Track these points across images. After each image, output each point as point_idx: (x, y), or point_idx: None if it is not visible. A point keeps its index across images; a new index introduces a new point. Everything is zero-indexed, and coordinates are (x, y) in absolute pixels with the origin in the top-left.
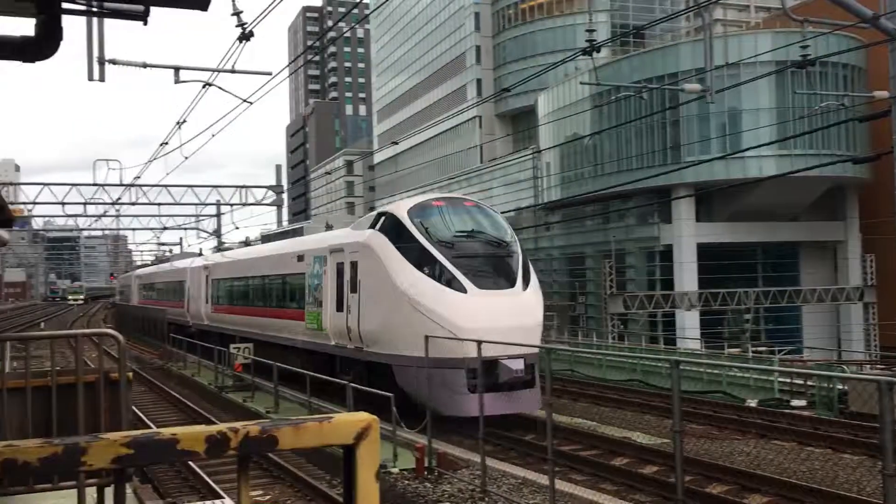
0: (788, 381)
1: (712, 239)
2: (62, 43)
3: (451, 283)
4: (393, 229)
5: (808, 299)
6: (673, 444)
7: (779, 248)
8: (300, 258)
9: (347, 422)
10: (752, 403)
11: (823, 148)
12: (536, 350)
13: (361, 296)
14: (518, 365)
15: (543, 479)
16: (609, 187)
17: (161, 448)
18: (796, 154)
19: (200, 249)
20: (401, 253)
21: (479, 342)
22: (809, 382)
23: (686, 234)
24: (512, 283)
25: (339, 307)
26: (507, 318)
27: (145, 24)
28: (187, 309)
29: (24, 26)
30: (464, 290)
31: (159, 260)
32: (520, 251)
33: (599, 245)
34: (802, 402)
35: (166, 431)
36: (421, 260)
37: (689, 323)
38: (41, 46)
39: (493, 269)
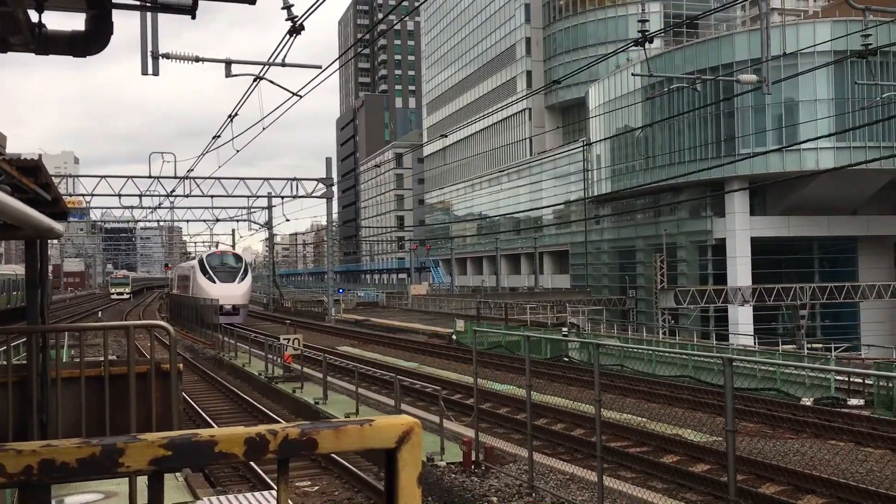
0: (845, 379)
1: (767, 233)
2: (114, 38)
3: (212, 279)
4: (199, 261)
5: (866, 295)
6: (726, 443)
7: (836, 242)
8: (189, 269)
9: (389, 425)
10: (808, 402)
11: (884, 140)
12: (246, 303)
13: (194, 283)
14: (229, 307)
15: (592, 476)
16: (660, 180)
17: (199, 450)
18: (855, 146)
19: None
20: (200, 271)
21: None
22: (868, 381)
23: (740, 228)
24: (234, 280)
25: (194, 287)
26: (229, 291)
27: (193, 17)
28: (172, 290)
29: (75, 21)
30: (214, 282)
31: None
32: (243, 268)
33: (650, 239)
34: (860, 402)
35: (204, 433)
36: (205, 272)
37: (742, 318)
38: (91, 41)
39: (227, 275)
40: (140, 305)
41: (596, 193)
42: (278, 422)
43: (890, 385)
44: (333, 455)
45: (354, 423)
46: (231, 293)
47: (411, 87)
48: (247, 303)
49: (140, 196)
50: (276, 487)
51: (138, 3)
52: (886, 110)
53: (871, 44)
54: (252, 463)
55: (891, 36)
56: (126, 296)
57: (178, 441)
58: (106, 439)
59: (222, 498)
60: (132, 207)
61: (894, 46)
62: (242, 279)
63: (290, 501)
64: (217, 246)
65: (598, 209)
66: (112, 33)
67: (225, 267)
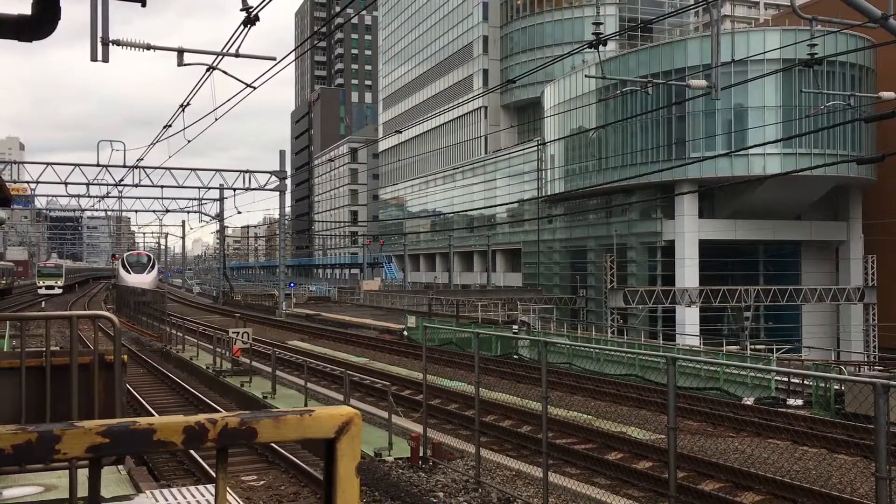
0: (786, 380)
1: (714, 236)
2: (63, 23)
3: (128, 272)
4: (122, 260)
5: (808, 298)
6: (667, 441)
7: (780, 246)
8: (118, 265)
9: (329, 415)
10: (749, 401)
11: (828, 147)
12: (153, 287)
13: (118, 275)
14: (140, 287)
15: (537, 472)
16: (612, 181)
17: (137, 438)
18: (801, 153)
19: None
20: (122, 266)
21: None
22: (807, 382)
23: (688, 231)
24: (143, 272)
25: (119, 278)
26: (140, 280)
27: (143, 5)
28: (118, 280)
29: (21, 4)
30: (130, 273)
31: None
32: (151, 264)
33: (602, 239)
34: (799, 402)
35: (143, 421)
36: (125, 267)
37: (688, 319)
38: (38, 25)
39: (139, 268)
40: (85, 296)
41: (549, 193)
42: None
43: (827, 386)
44: (280, 449)
45: (294, 413)
46: (141, 281)
47: (368, 82)
48: (153, 287)
49: (87, 185)
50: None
51: None
52: (831, 118)
53: (816, 53)
54: (198, 457)
55: (837, 46)
56: (58, 290)
57: (115, 428)
58: (42, 426)
59: (165, 491)
60: (79, 196)
61: (840, 56)
62: (150, 272)
63: (228, 489)
64: (166, 238)
65: (551, 209)
66: (60, 18)
67: (138, 263)
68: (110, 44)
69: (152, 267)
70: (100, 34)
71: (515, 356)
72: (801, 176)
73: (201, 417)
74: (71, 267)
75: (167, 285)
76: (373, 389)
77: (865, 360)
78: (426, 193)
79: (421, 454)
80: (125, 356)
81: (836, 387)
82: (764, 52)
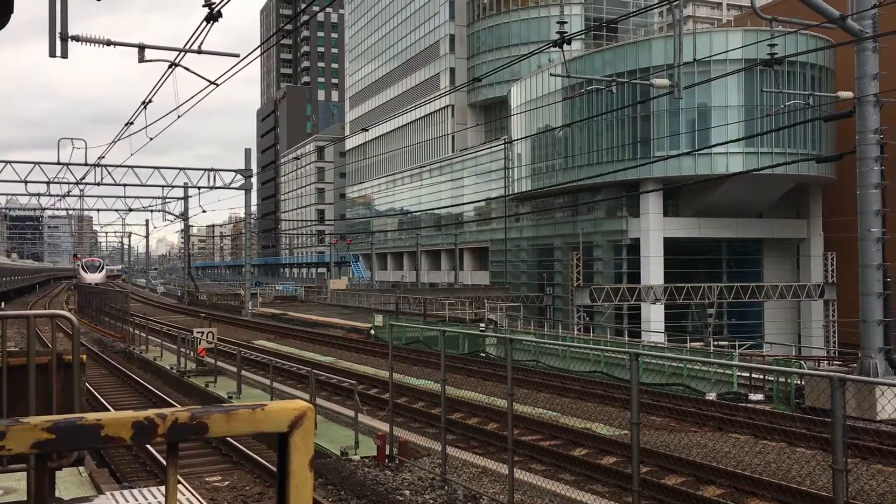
0: (747, 375)
1: (679, 234)
2: (21, 17)
3: (85, 271)
4: (80, 263)
5: (769, 295)
6: (630, 436)
7: (743, 244)
8: (77, 267)
9: (282, 409)
10: (712, 396)
11: (789, 147)
12: (103, 282)
13: (78, 275)
14: (94, 283)
15: (503, 469)
16: (578, 180)
17: (84, 434)
18: (763, 152)
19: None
20: (80, 268)
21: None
22: (768, 377)
23: (653, 229)
24: (96, 272)
25: (78, 277)
26: (93, 277)
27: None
28: (79, 279)
29: None
30: (87, 273)
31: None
32: (101, 266)
33: (568, 237)
34: (760, 397)
35: (91, 416)
36: (83, 268)
37: (654, 316)
38: None
39: (93, 269)
40: (47, 296)
41: (516, 191)
42: None
43: (787, 381)
44: (245, 449)
45: (246, 408)
46: (93, 278)
47: (334, 80)
48: (103, 281)
49: (48, 183)
50: (182, 480)
51: None
52: (791, 118)
53: (777, 53)
54: (161, 458)
55: (798, 46)
56: None
57: (62, 424)
58: None
59: (126, 492)
60: (39, 195)
61: (800, 56)
62: (100, 272)
63: (191, 490)
64: (130, 237)
65: (518, 207)
66: (12, 11)
67: (92, 266)
68: (69, 39)
69: (102, 269)
70: (58, 29)
71: (482, 354)
72: (763, 174)
73: (151, 412)
74: (15, 266)
75: (130, 284)
76: (339, 388)
77: (825, 355)
78: (393, 192)
79: (387, 453)
80: (84, 356)
81: (797, 381)
82: (726, 52)
